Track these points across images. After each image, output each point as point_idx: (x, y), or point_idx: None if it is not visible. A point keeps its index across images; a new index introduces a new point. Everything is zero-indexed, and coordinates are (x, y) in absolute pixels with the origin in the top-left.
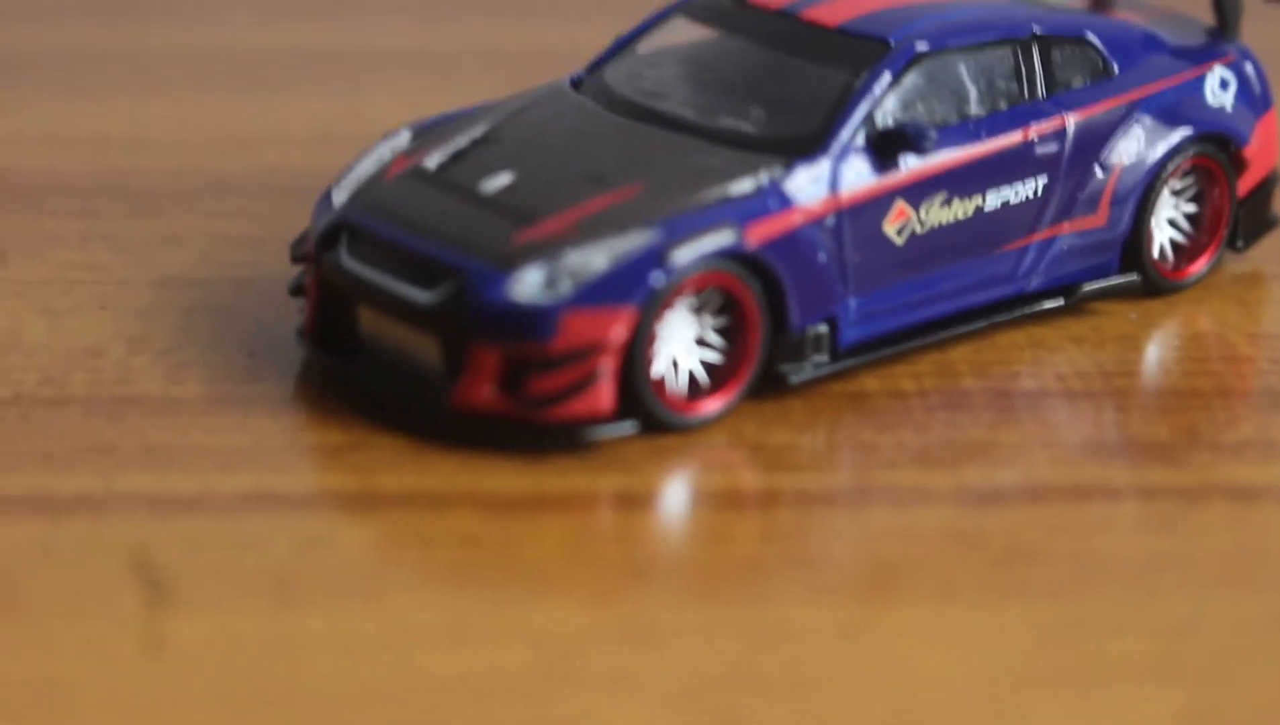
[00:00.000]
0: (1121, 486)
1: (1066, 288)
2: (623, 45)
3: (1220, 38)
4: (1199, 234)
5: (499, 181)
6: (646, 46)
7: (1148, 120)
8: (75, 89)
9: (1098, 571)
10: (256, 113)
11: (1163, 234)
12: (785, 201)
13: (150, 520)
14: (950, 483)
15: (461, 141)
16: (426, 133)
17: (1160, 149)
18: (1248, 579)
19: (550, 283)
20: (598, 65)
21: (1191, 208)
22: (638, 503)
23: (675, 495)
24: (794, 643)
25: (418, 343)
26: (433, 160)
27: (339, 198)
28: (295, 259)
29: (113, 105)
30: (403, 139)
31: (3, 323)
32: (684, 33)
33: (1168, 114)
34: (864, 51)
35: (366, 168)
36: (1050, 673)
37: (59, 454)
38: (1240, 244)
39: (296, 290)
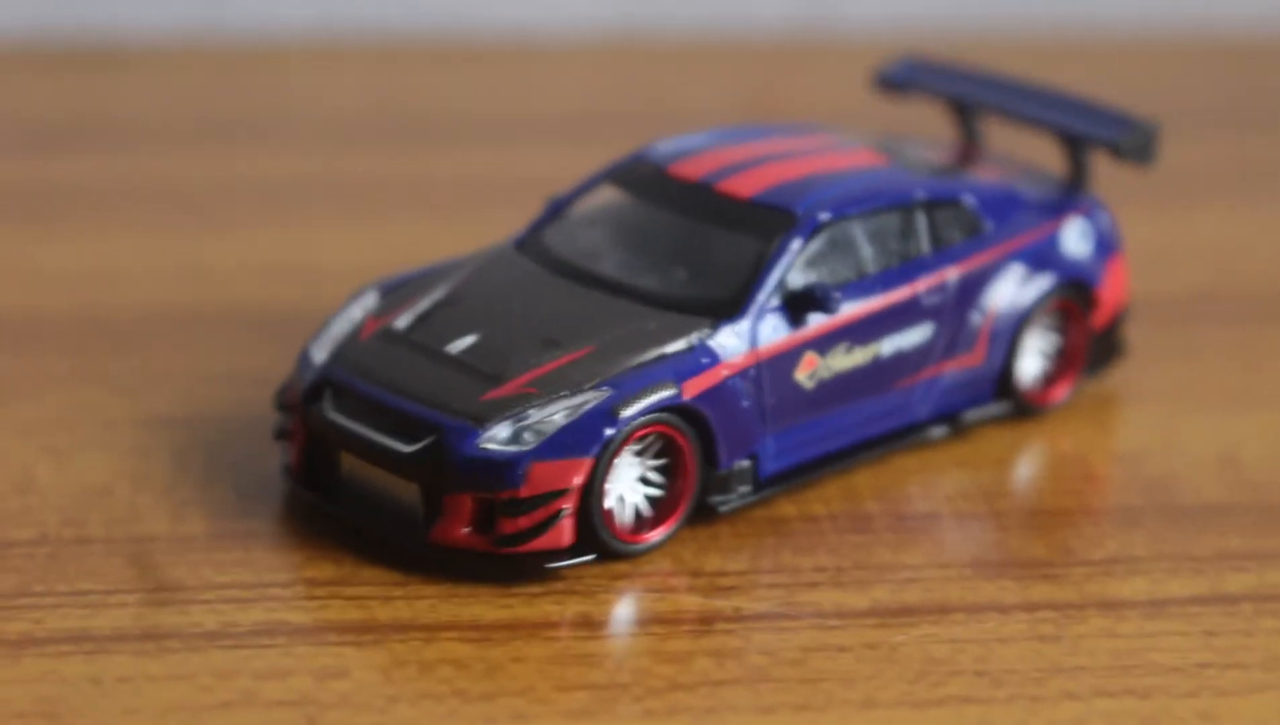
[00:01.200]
0: (1011, 603)
1: (950, 417)
2: (558, 209)
3: (1073, 190)
4: (1061, 364)
5: (464, 343)
6: (578, 207)
7: (1017, 270)
8: (43, 223)
9: (998, 682)
10: (212, 245)
11: (1031, 365)
12: (714, 358)
13: (183, 651)
14: (865, 602)
15: (425, 304)
16: (392, 293)
17: (1028, 295)
18: (1128, 686)
19: (516, 437)
20: (537, 228)
21: (1055, 341)
22: (600, 626)
23: (632, 619)
24: None
25: (397, 486)
26: (402, 322)
27: (319, 355)
28: (279, 407)
29: (82, 239)
30: (371, 299)
31: (16, 462)
32: (609, 193)
33: (1034, 264)
34: (774, 221)
35: (341, 327)
36: None
37: (93, 593)
38: (1094, 371)
39: (280, 434)
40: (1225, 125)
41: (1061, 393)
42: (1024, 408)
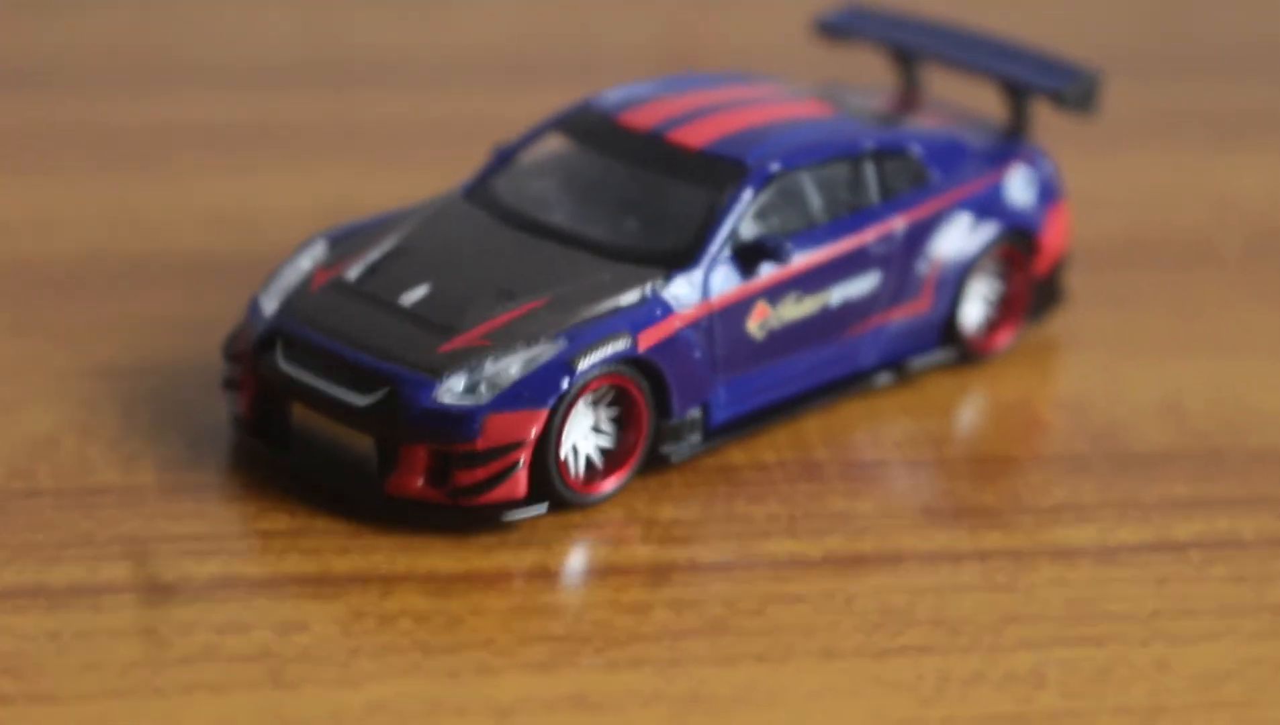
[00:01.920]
0: (963, 551)
1: (896, 364)
2: (506, 158)
3: (1015, 138)
4: (1004, 310)
5: (416, 294)
6: (526, 156)
7: (962, 219)
8: None
9: (955, 631)
10: (148, 191)
11: (974, 312)
12: (667, 309)
13: (140, 606)
14: (819, 552)
15: (375, 255)
16: (341, 243)
17: (974, 243)
18: (1084, 635)
19: (472, 389)
20: (485, 177)
21: (998, 287)
22: (557, 578)
23: (588, 570)
24: (711, 703)
25: (350, 438)
26: (352, 272)
27: (269, 306)
28: (228, 357)
29: (10, 184)
30: (319, 249)
31: None
32: (557, 142)
33: (978, 213)
34: (725, 172)
35: (290, 277)
36: (930, 722)
37: (45, 546)
38: (1036, 317)
39: (229, 384)
40: (1154, 69)
41: (1004, 339)
42: (968, 354)
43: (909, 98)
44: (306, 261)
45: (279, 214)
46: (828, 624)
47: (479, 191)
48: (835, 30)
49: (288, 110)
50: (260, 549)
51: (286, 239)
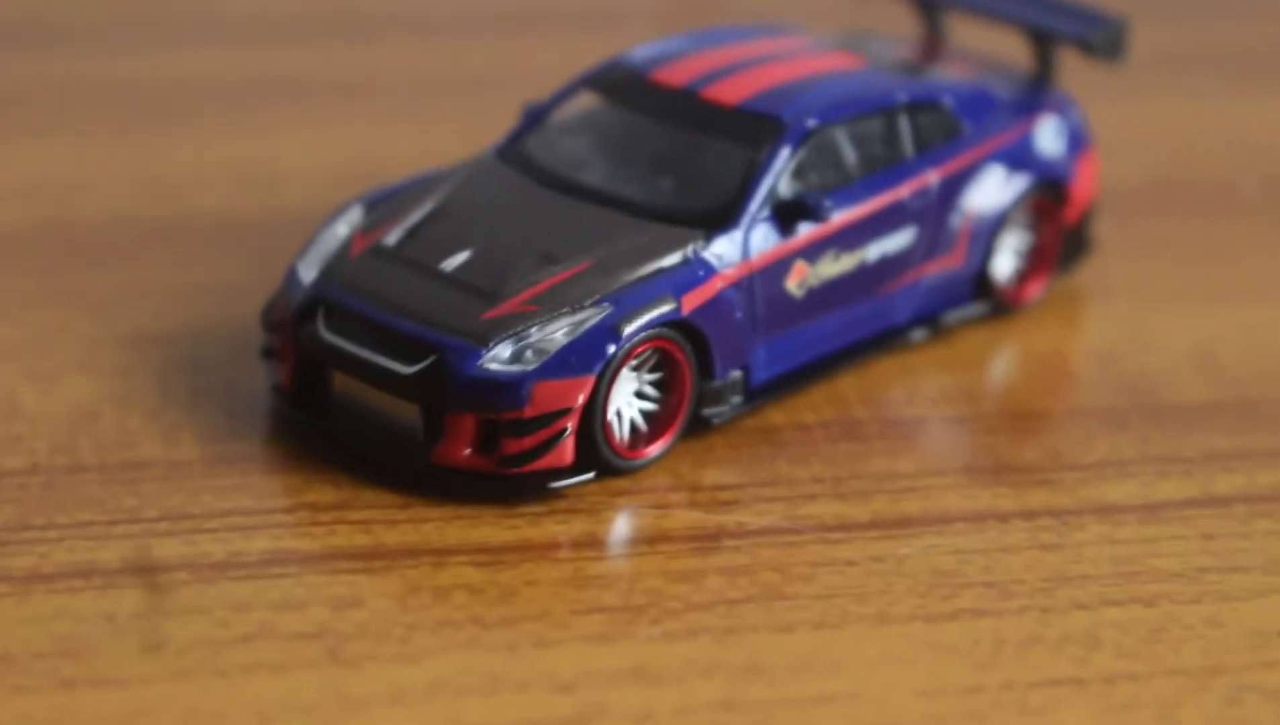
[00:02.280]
0: (1009, 510)
1: (929, 318)
2: (537, 117)
3: (1041, 86)
4: (1035, 261)
5: (458, 259)
6: (558, 114)
7: (995, 171)
8: None
9: (1007, 593)
10: (168, 151)
11: (1005, 264)
12: (709, 270)
13: (195, 584)
14: (866, 514)
15: (414, 218)
16: (377, 207)
17: (1006, 196)
18: (1134, 594)
19: (518, 357)
20: (517, 136)
21: (1028, 238)
22: (608, 546)
23: (638, 538)
24: (771, 672)
25: (395, 407)
26: (391, 237)
27: (307, 274)
28: (266, 326)
29: (31, 146)
30: (356, 213)
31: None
32: (588, 99)
33: (1010, 164)
34: (762, 129)
35: (328, 243)
36: (990, 688)
37: (94, 523)
38: (1065, 267)
39: (268, 352)
40: (1178, 11)
41: (1035, 290)
42: (999, 306)
43: (934, 47)
44: (343, 227)
45: (299, 173)
46: (881, 588)
47: (512, 152)
48: None
49: (299, 64)
50: (309, 522)
51: (308, 200)
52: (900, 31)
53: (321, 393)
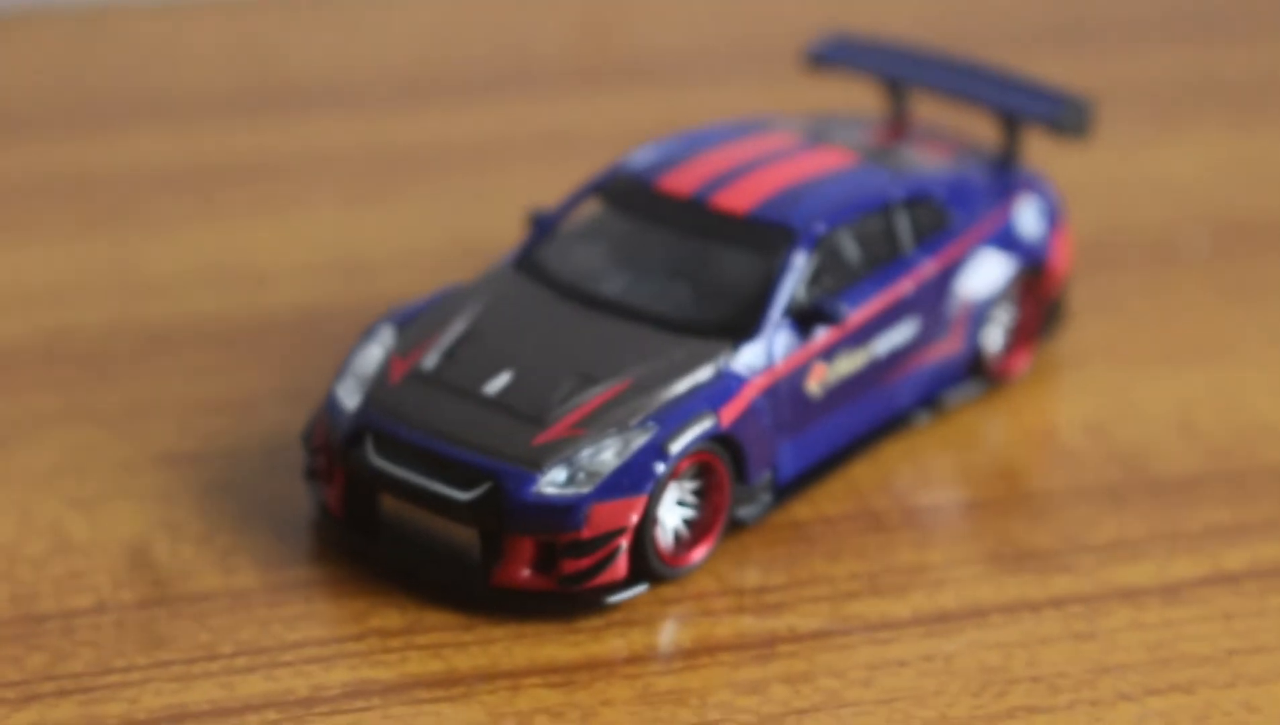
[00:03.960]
0: (1038, 599)
1: (931, 401)
2: (549, 228)
3: (1011, 166)
4: (1020, 335)
5: (499, 383)
6: (566, 221)
7: (985, 257)
8: None
9: (1054, 688)
10: (145, 249)
11: (993, 340)
12: (740, 380)
13: (285, 723)
14: (906, 610)
15: (448, 340)
16: (407, 327)
17: (996, 280)
18: (1172, 682)
19: (572, 479)
20: (531, 248)
21: (1012, 313)
22: (672, 659)
23: (699, 648)
24: None
25: (448, 529)
26: (430, 361)
27: (349, 400)
28: (308, 449)
29: (8, 250)
30: (388, 335)
31: (44, 519)
32: (593, 205)
33: (998, 249)
34: (774, 237)
35: (365, 367)
36: None
37: (175, 663)
38: (1046, 336)
39: (311, 474)
40: (1075, 43)
41: (1022, 363)
42: (990, 381)
43: (899, 126)
44: (377, 349)
45: (281, 267)
46: (936, 689)
47: (529, 264)
48: (826, 61)
49: (248, 144)
50: (380, 649)
51: (295, 296)
52: (852, 101)
53: (370, 515)
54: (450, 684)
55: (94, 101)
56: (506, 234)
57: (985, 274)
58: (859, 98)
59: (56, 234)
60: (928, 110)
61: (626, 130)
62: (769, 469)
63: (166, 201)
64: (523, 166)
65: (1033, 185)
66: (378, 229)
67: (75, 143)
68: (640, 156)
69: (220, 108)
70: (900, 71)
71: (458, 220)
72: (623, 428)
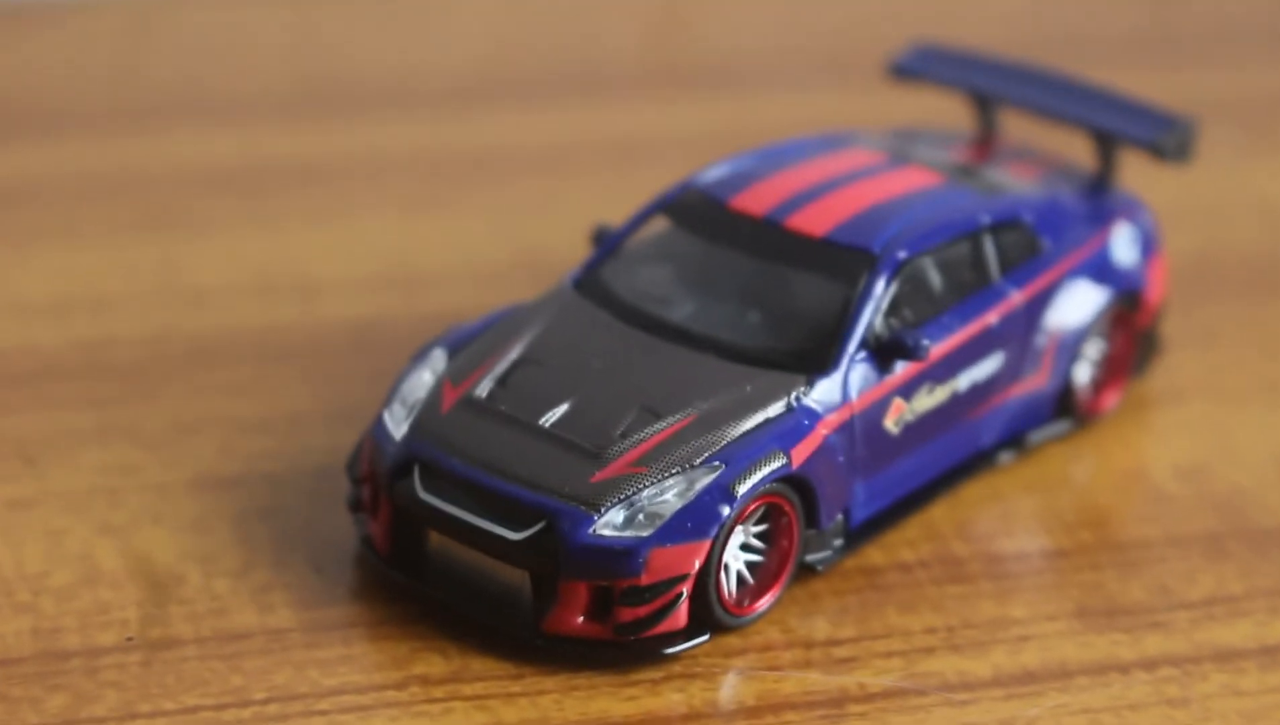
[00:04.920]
0: (1128, 660)
1: (1015, 440)
2: (613, 246)
3: (1106, 189)
4: (1110, 369)
5: (556, 414)
6: (632, 240)
7: (1076, 287)
8: None
9: None
10: (190, 256)
11: (1082, 375)
12: (814, 417)
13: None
14: (987, 669)
15: (502, 366)
16: (460, 351)
17: (1087, 312)
18: None
19: (630, 521)
20: (593, 266)
21: (1102, 347)
22: (733, 717)
23: (764, 705)
24: None
25: (497, 568)
26: (483, 388)
27: (396, 428)
28: (353, 479)
29: (49, 254)
30: (439, 359)
31: (75, 549)
32: (660, 222)
33: (1090, 278)
34: (853, 262)
35: (416, 393)
36: None
37: (203, 709)
38: (1138, 371)
39: (356, 506)
40: (1177, 63)
41: (1112, 400)
42: (1078, 419)
43: (986, 144)
44: (428, 375)
45: (330, 277)
46: None
47: (591, 285)
48: (910, 74)
49: (301, 146)
50: (423, 699)
51: (346, 310)
52: (939, 115)
53: (417, 552)
54: None
55: (142, 97)
56: (571, 248)
57: (1076, 305)
58: (946, 112)
59: (99, 237)
60: (1018, 128)
61: (700, 138)
62: (841, 512)
63: (215, 205)
64: (590, 176)
65: (1128, 210)
66: (436, 240)
67: (121, 141)
68: (712, 173)
69: (275, 107)
70: (989, 86)
71: (521, 232)
72: (686, 466)
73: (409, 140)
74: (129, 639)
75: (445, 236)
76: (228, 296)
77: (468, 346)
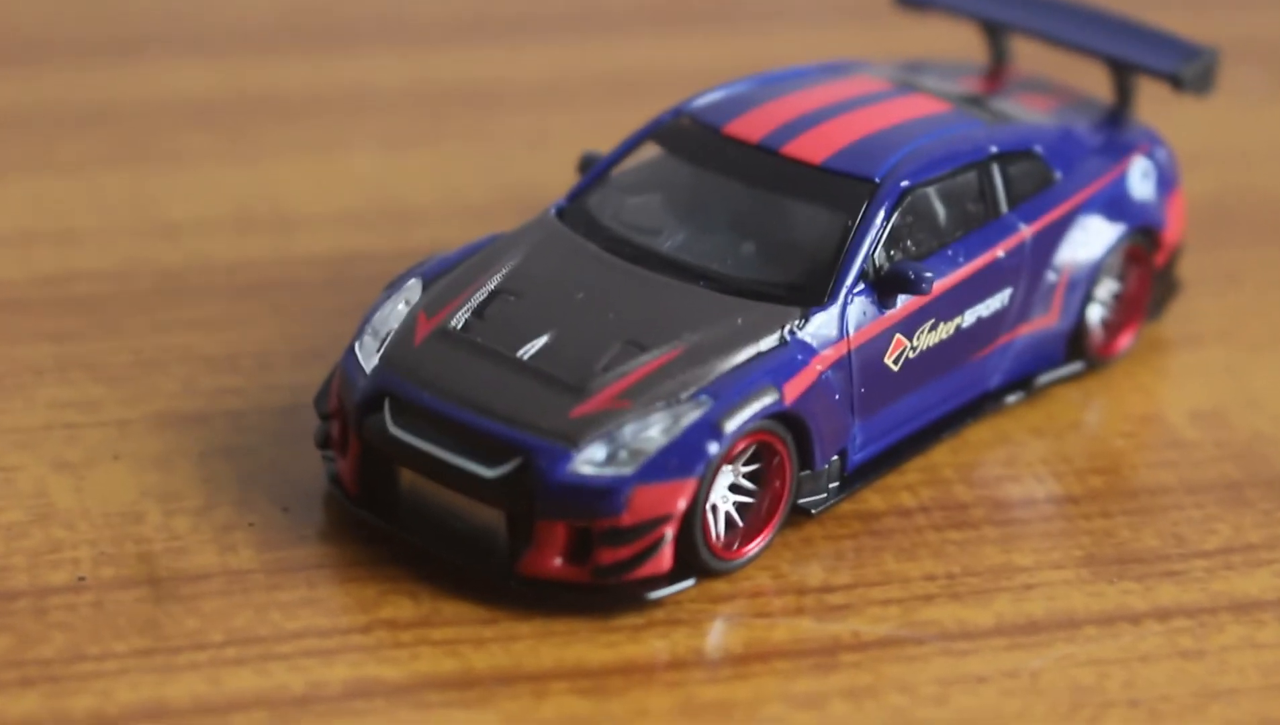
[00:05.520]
0: (1140, 610)
1: (1023, 381)
2: (599, 174)
3: (1122, 121)
4: (1124, 310)
5: (535, 346)
6: (620, 167)
7: (1089, 222)
8: None
9: (1155, 714)
10: (162, 189)
11: (1093, 315)
12: (809, 352)
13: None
14: (989, 618)
15: (479, 296)
16: (436, 281)
17: (1100, 247)
18: None
19: (612, 458)
20: (578, 194)
21: (1115, 287)
22: (718, 665)
23: (750, 654)
24: None
25: (473, 509)
26: (458, 319)
27: (367, 361)
28: (321, 414)
29: (14, 185)
30: (414, 290)
31: (28, 486)
32: (650, 149)
33: (1104, 213)
34: (852, 190)
35: (388, 324)
36: None
37: (157, 652)
38: (1154, 313)
39: (324, 442)
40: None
41: (1126, 341)
42: (1090, 361)
43: (997, 74)
44: (401, 305)
45: (307, 211)
46: (1019, 710)
47: (575, 212)
48: (918, 2)
49: (281, 79)
50: (390, 644)
51: (323, 244)
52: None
53: (388, 490)
54: (466, 686)
55: (120, 28)
56: (562, 185)
57: (1089, 240)
58: (958, 47)
59: (70, 169)
60: (1031, 59)
61: (699, 74)
62: (837, 453)
63: (191, 138)
64: (584, 112)
65: (1145, 143)
66: (421, 176)
67: (97, 72)
68: (706, 98)
69: (256, 39)
70: (1000, 13)
71: (510, 169)
72: (672, 401)
73: (395, 74)
74: (80, 579)
75: (431, 172)
76: (200, 231)
77: (444, 276)
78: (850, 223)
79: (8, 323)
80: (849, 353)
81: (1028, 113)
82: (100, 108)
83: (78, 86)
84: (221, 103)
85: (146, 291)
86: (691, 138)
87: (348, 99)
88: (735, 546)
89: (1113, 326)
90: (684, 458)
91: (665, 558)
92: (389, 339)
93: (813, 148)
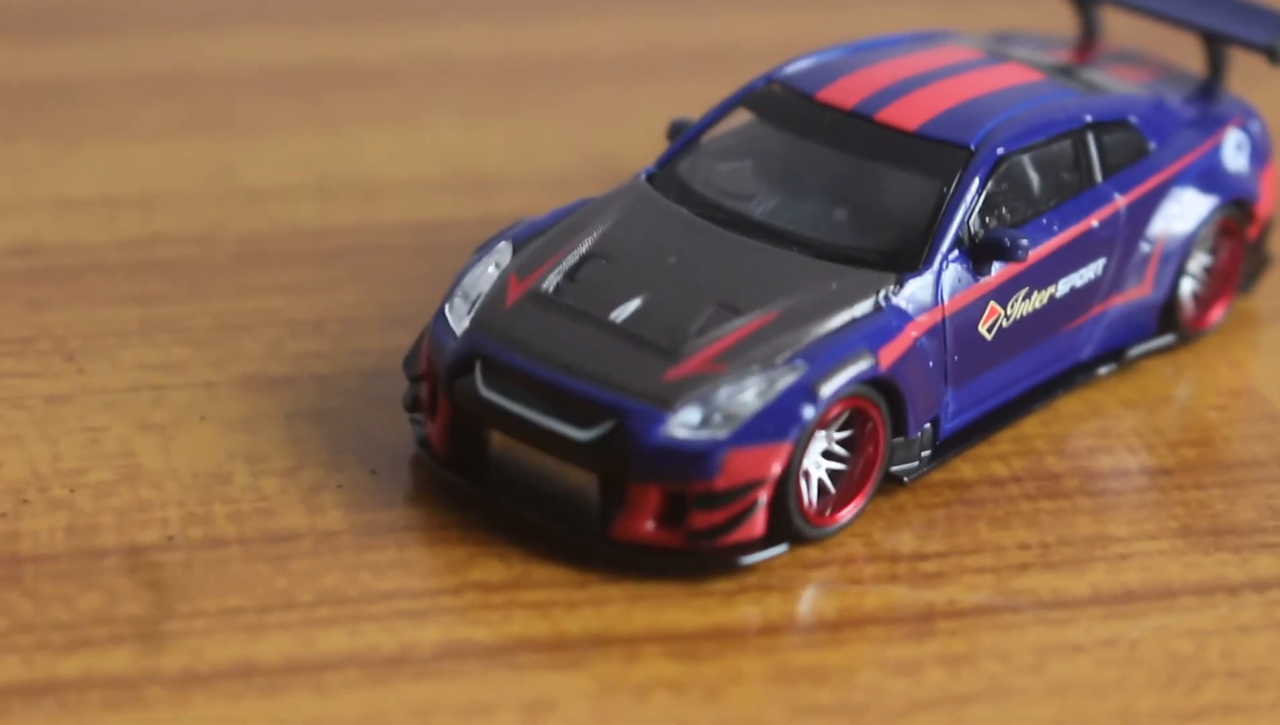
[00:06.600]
0: (1237, 581)
1: (1115, 352)
2: (690, 139)
3: (1215, 94)
4: (1216, 283)
5: (628, 309)
6: (711, 134)
7: (1183, 193)
8: (47, 133)
9: (1255, 685)
10: (244, 155)
11: (1185, 288)
12: (903, 318)
13: (367, 685)
14: (1084, 587)
15: (571, 259)
16: (526, 244)
17: (1194, 219)
18: None
19: (706, 421)
20: (669, 160)
21: (1206, 260)
22: (812, 631)
23: (844, 620)
24: None
25: (565, 473)
26: (549, 282)
27: (458, 323)
28: (410, 376)
29: (98, 151)
30: (504, 253)
31: (115, 446)
32: (741, 116)
33: (1199, 184)
34: (947, 157)
35: (479, 287)
36: None
37: (245, 611)
38: (1246, 287)
39: (412, 405)
40: None
41: (1217, 314)
42: (1182, 334)
43: (1088, 47)
44: (492, 268)
45: (391, 179)
46: (1117, 679)
47: (666, 178)
48: None
49: (363, 48)
50: (480, 605)
51: (407, 211)
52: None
53: (478, 453)
54: (557, 648)
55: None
56: (646, 157)
57: (1184, 212)
58: (1047, 21)
59: (151, 136)
60: (1122, 31)
61: (783, 48)
62: (930, 421)
63: (274, 105)
64: (666, 85)
65: (1240, 115)
66: (503, 145)
67: (179, 39)
68: (798, 65)
69: (336, 7)
70: None
71: (591, 139)
72: (767, 365)
73: (478, 44)
74: (169, 538)
75: (513, 142)
76: (283, 198)
77: (535, 239)
78: (945, 189)
79: (92, 285)
80: (944, 320)
81: (1120, 84)
82: (180, 76)
83: (158, 55)
84: (302, 72)
85: (230, 256)
86: (784, 104)
87: (428, 69)
88: (828, 513)
89: (1204, 300)
90: (779, 422)
91: (759, 523)
92: (480, 301)
93: (907, 114)
